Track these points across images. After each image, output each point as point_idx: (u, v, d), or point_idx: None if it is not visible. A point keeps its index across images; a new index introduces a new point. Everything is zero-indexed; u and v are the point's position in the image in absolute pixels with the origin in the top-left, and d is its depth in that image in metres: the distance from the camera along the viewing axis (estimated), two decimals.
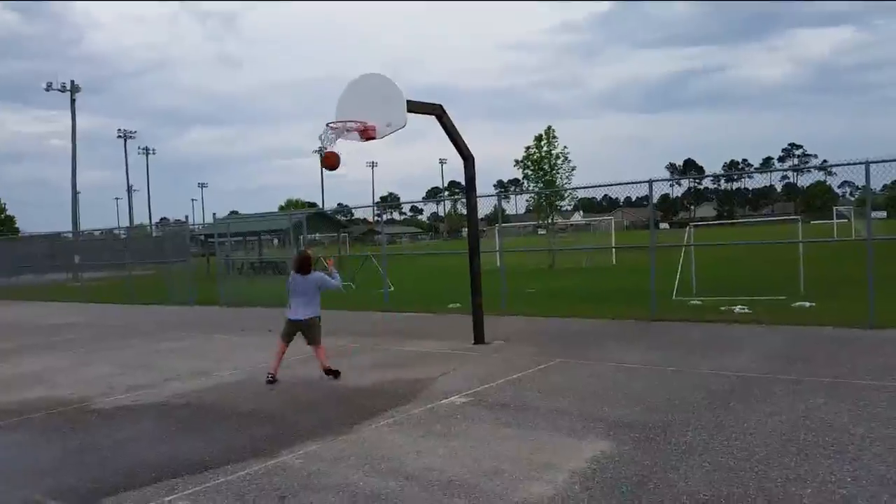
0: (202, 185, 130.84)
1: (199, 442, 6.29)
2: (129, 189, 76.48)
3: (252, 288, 22.46)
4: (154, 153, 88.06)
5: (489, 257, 16.87)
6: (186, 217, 26.00)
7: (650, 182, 12.13)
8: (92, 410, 7.75)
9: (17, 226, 56.59)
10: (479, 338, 10.86)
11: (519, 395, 7.39)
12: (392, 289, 19.96)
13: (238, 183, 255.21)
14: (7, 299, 26.53)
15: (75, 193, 43.99)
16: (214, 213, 24.88)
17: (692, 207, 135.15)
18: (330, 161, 9.35)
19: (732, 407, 6.46)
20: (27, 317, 19.74)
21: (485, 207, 22.86)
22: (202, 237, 35.32)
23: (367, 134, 9.09)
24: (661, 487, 4.60)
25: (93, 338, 14.10)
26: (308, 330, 8.78)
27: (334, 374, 8.67)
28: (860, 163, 10.53)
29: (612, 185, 14.28)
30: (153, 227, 51.96)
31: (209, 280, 24.39)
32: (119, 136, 75.03)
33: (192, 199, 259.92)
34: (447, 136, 10.46)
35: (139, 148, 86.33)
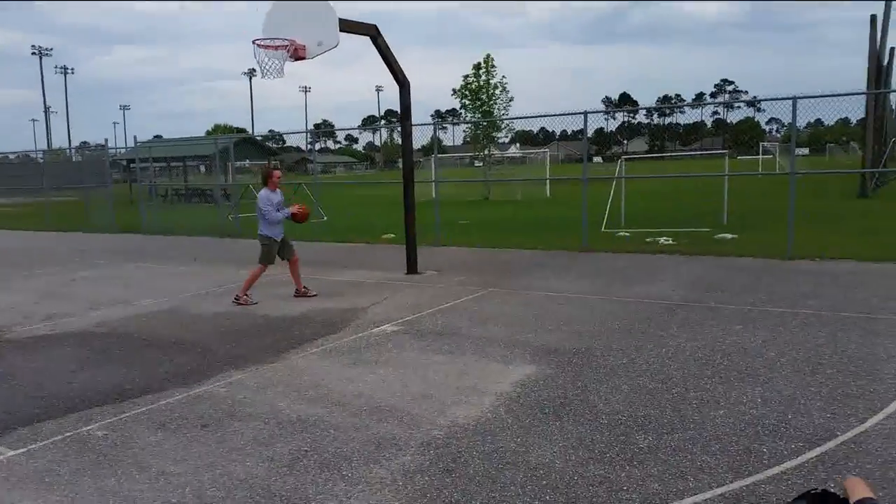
0: (124, 108, 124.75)
1: (120, 371, 6.11)
2: (47, 110, 72.47)
3: (177, 215, 21.78)
4: (73, 73, 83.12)
5: (425, 188, 16.75)
6: (106, 140, 24.54)
7: (585, 114, 12.13)
8: (7, 340, 7.42)
9: None
10: (412, 268, 10.84)
11: (449, 323, 7.44)
12: (325, 219, 19.68)
13: (163, 106, 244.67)
14: None
15: None
16: (135, 137, 23.71)
17: (625, 142, 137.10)
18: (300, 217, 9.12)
19: (653, 333, 6.67)
20: None
21: (422, 137, 22.59)
22: (124, 162, 33.83)
23: (296, 53, 8.67)
24: (581, 408, 4.74)
25: (7, 265, 13.42)
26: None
27: (236, 300, 8.86)
28: (787, 98, 10.75)
29: (547, 115, 14.23)
30: (72, 152, 49.30)
31: (132, 207, 23.47)
32: (34, 54, 70.34)
33: (115, 123, 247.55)
34: (382, 60, 10.12)
35: (56, 67, 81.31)
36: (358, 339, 6.91)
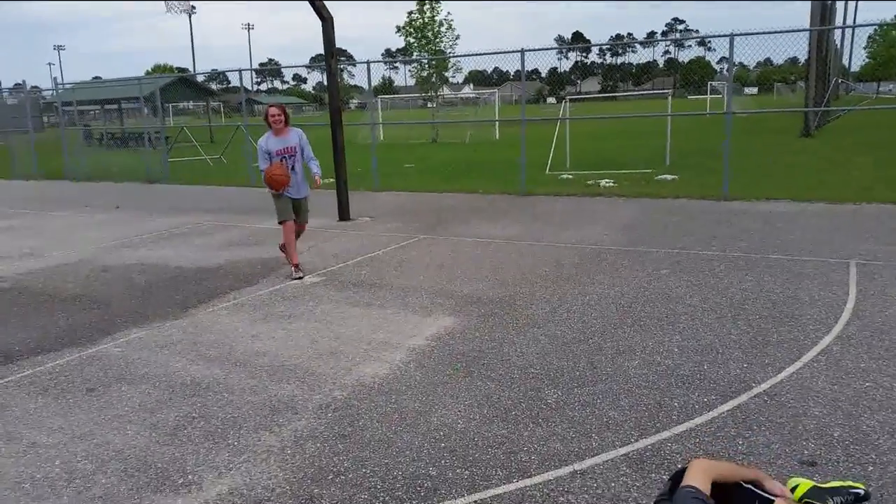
0: (58, 48, 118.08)
1: (13, 330, 5.67)
2: None
3: (106, 160, 20.79)
4: None
5: (371, 130, 16.17)
6: (24, 81, 23.10)
7: (522, 52, 11.67)
8: None
9: None
10: (343, 215, 10.45)
11: (374, 273, 7.14)
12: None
13: (99, 46, 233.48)
14: None
15: None
16: (55, 78, 22.34)
17: (579, 81, 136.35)
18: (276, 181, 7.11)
19: (579, 279, 6.47)
20: None
21: (373, 77, 21.72)
22: (57, 105, 32.06)
23: None
24: (494, 362, 4.51)
25: None
26: None
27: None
28: (725, 35, 10.51)
29: (483, 53, 13.93)
30: (4, 94, 46.42)
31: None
32: None
33: (50, 64, 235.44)
34: None
35: None
36: (273, 292, 6.57)
